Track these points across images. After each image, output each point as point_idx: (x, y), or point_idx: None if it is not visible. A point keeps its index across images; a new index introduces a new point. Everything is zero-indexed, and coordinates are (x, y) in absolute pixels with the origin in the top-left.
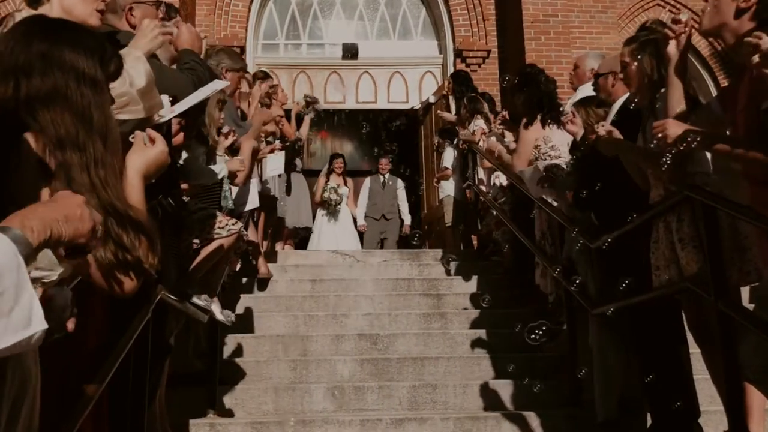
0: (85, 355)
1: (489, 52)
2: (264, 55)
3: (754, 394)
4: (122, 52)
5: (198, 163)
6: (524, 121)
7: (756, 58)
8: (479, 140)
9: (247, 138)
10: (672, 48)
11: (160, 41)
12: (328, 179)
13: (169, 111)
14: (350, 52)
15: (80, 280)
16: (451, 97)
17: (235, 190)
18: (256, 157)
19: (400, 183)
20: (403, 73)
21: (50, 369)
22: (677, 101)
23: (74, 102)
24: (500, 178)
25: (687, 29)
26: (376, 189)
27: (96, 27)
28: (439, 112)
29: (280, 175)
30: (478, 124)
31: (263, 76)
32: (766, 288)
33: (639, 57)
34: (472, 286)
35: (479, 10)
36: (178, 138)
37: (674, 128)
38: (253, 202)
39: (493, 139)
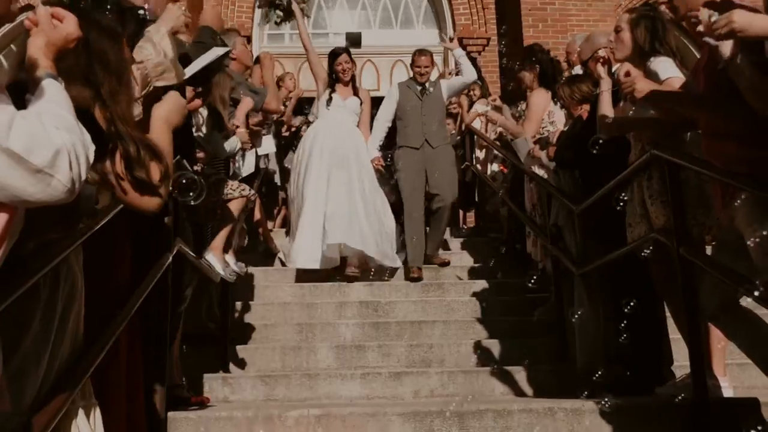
0: (117, 288)
1: (489, 39)
2: (269, 44)
3: (714, 334)
4: (151, 28)
5: (217, 140)
6: (536, 88)
7: (700, 29)
8: (473, 120)
9: (269, 102)
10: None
11: (182, 21)
12: (332, 91)
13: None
14: (353, 41)
15: (113, 233)
16: None
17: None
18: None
19: (445, 86)
20: (405, 61)
21: (90, 292)
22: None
23: (94, 47)
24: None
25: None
26: (411, 101)
27: None
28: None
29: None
30: (476, 107)
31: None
32: (723, 234)
33: (635, 26)
34: (469, 259)
35: None
36: (194, 104)
37: (641, 83)
38: (250, 167)
39: (492, 112)
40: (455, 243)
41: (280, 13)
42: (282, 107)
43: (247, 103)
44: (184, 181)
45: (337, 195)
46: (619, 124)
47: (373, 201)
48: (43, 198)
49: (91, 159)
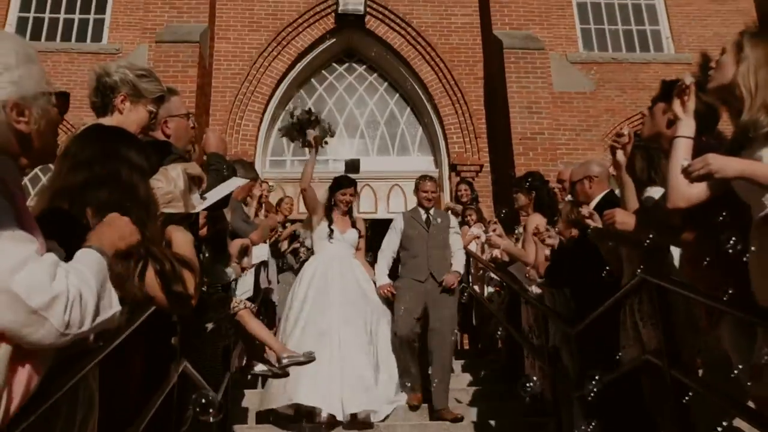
0: (127, 399)
1: (482, 166)
2: (272, 169)
3: None
4: (169, 166)
5: (220, 267)
6: (532, 213)
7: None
8: (469, 243)
9: (256, 233)
10: (620, 156)
11: (198, 172)
12: (330, 221)
13: (199, 203)
14: (352, 166)
15: (127, 345)
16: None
17: (243, 282)
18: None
19: (453, 221)
20: (402, 185)
21: (103, 405)
22: (632, 198)
23: (126, 182)
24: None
25: (630, 141)
26: (416, 232)
27: None
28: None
29: (265, 263)
30: (473, 231)
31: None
32: (711, 355)
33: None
34: (468, 381)
35: (472, 129)
36: (204, 231)
37: (621, 216)
38: (249, 290)
39: (495, 236)
40: (455, 365)
41: (295, 134)
42: (280, 228)
43: (240, 241)
44: (203, 401)
45: (338, 348)
46: (607, 235)
47: (376, 339)
48: (35, 340)
49: (106, 317)
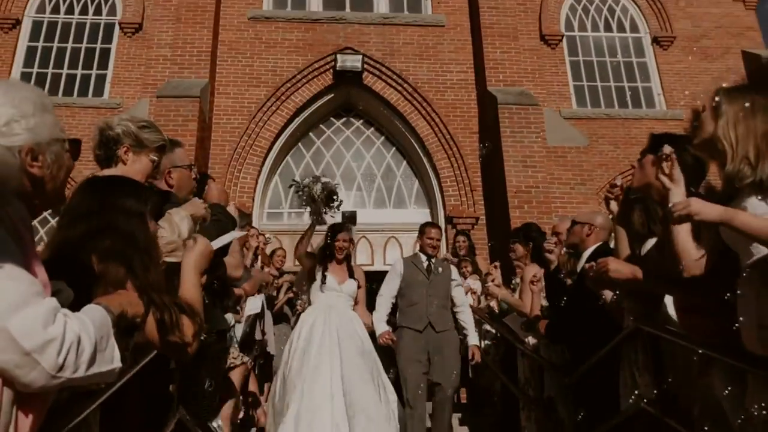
0: None
1: (477, 219)
2: (269, 222)
3: None
4: (173, 210)
5: (218, 312)
6: (529, 264)
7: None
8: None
9: (248, 284)
10: (613, 206)
11: (203, 213)
12: (325, 269)
13: None
14: (349, 219)
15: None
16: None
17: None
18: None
19: (455, 272)
20: (398, 238)
21: None
22: (623, 248)
23: (125, 231)
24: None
25: (622, 192)
26: (416, 279)
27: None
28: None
29: (259, 316)
30: (468, 283)
31: (257, 233)
32: (704, 402)
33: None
34: None
35: (467, 182)
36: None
37: (614, 264)
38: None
39: (493, 285)
40: (452, 419)
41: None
42: (275, 281)
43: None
44: None
45: (345, 406)
46: (601, 282)
47: (379, 394)
48: (27, 381)
49: (104, 369)
